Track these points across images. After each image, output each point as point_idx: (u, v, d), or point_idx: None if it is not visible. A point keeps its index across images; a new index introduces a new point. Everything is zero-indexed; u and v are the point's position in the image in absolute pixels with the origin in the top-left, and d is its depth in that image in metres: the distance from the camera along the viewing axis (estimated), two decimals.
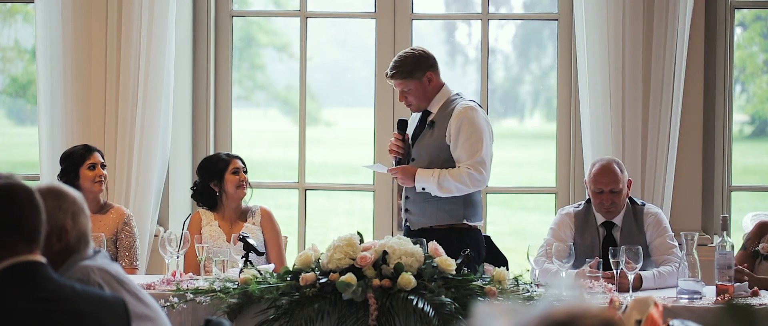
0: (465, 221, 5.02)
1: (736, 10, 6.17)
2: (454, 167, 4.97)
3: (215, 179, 5.42)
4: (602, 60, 5.87)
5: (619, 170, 4.97)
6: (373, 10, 6.37)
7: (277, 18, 7.93)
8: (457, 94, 5.11)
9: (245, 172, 5.42)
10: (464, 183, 4.92)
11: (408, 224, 5.14)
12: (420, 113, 5.14)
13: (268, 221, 5.44)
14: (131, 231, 5.37)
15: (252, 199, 5.46)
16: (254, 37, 8.64)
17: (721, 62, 6.07)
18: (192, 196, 5.49)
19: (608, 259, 4.55)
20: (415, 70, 5.03)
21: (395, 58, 5.11)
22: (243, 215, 5.44)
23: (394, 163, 5.14)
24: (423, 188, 4.99)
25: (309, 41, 6.41)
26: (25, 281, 2.61)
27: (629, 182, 5.04)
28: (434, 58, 5.11)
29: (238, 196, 5.39)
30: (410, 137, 5.16)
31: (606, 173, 4.94)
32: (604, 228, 4.99)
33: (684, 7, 5.81)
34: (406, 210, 5.14)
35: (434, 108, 5.07)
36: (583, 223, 5.01)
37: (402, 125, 5.16)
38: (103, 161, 5.38)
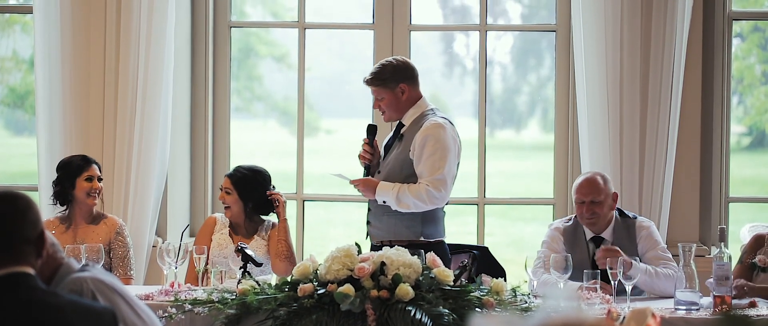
0: (422, 238, 4.99)
1: (733, 21, 6.18)
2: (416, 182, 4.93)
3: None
4: (600, 71, 5.88)
5: (602, 182, 4.99)
6: (371, 21, 6.37)
7: (276, 29, 7.93)
8: (432, 109, 5.06)
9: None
10: (422, 200, 4.89)
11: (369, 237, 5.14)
12: (396, 124, 5.13)
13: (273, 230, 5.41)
14: (124, 241, 5.36)
15: (271, 214, 5.43)
16: (253, 48, 8.64)
17: (719, 73, 6.08)
18: None
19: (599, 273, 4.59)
20: (389, 80, 5.02)
21: (375, 65, 5.12)
22: (255, 228, 5.40)
23: (363, 170, 5.12)
24: (383, 202, 4.97)
25: (307, 52, 6.42)
26: (9, 292, 2.60)
27: (615, 195, 5.03)
28: (413, 71, 5.07)
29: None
30: (382, 146, 5.16)
31: (587, 184, 4.99)
32: (594, 244, 4.99)
33: (682, 17, 5.82)
34: (368, 222, 5.13)
35: (407, 121, 5.05)
36: (572, 238, 5.02)
37: (371, 130, 5.15)
38: (100, 174, 5.38)
